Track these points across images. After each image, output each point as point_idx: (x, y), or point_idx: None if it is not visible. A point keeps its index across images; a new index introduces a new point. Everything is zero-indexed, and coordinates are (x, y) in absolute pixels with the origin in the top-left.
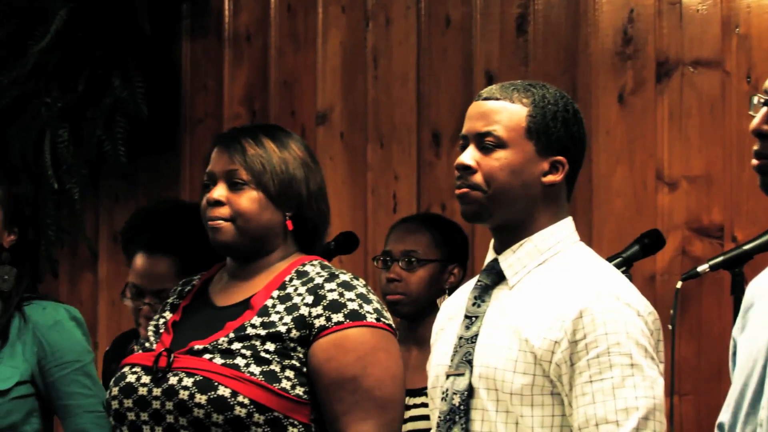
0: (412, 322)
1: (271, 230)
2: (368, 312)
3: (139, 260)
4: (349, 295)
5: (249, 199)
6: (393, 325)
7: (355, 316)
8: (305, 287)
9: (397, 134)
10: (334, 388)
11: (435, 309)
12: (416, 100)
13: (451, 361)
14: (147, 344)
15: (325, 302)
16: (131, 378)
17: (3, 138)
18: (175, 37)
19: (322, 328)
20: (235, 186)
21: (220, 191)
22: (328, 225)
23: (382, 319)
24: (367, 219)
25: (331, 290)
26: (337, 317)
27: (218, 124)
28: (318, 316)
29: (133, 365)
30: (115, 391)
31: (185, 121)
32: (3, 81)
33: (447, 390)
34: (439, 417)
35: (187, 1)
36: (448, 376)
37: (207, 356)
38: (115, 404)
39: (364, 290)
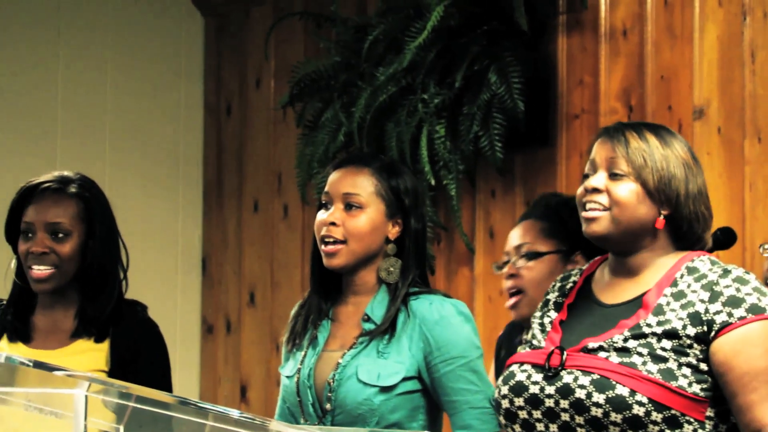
0: None
1: (644, 225)
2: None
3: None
4: (745, 289)
5: (627, 190)
6: None
7: (757, 310)
8: (699, 284)
9: None
10: (747, 380)
11: None
12: None
13: None
14: (534, 342)
15: (723, 298)
16: (521, 376)
17: (381, 134)
18: (550, 32)
19: (725, 324)
20: (615, 176)
21: (599, 179)
22: (708, 229)
23: None
24: (744, 214)
25: (727, 286)
26: (739, 312)
27: (594, 119)
28: (717, 313)
29: (521, 363)
30: (504, 390)
31: (561, 116)
32: (380, 77)
33: None
34: None
35: None
36: None
37: (602, 354)
38: (505, 403)
39: (757, 283)
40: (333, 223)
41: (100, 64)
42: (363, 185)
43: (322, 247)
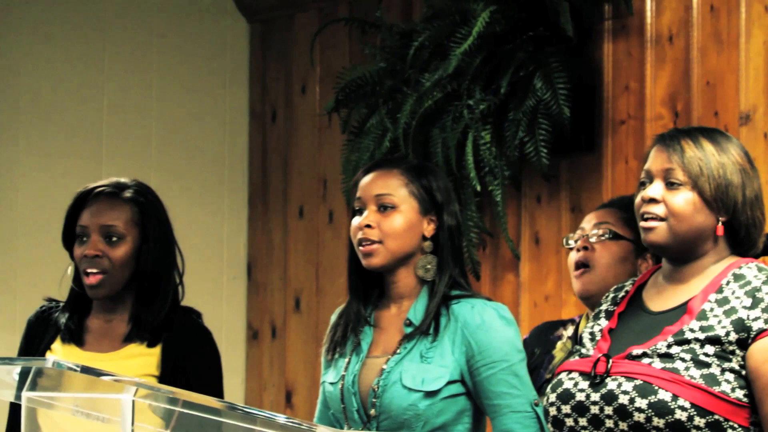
0: None
1: (703, 233)
2: None
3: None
4: None
5: (684, 200)
6: None
7: None
8: (743, 290)
9: None
10: None
11: None
12: None
13: None
14: (583, 351)
15: (763, 305)
16: (568, 384)
17: (426, 140)
18: (596, 38)
19: (761, 330)
20: (671, 186)
21: (656, 189)
22: (763, 232)
23: None
24: None
25: None
26: None
27: (640, 125)
28: (756, 319)
29: (569, 371)
30: (552, 397)
31: (607, 122)
32: (426, 83)
33: None
34: None
35: (609, 2)
36: None
37: (646, 360)
38: (553, 411)
39: None
40: (368, 226)
41: (146, 70)
42: (394, 185)
43: (360, 248)
